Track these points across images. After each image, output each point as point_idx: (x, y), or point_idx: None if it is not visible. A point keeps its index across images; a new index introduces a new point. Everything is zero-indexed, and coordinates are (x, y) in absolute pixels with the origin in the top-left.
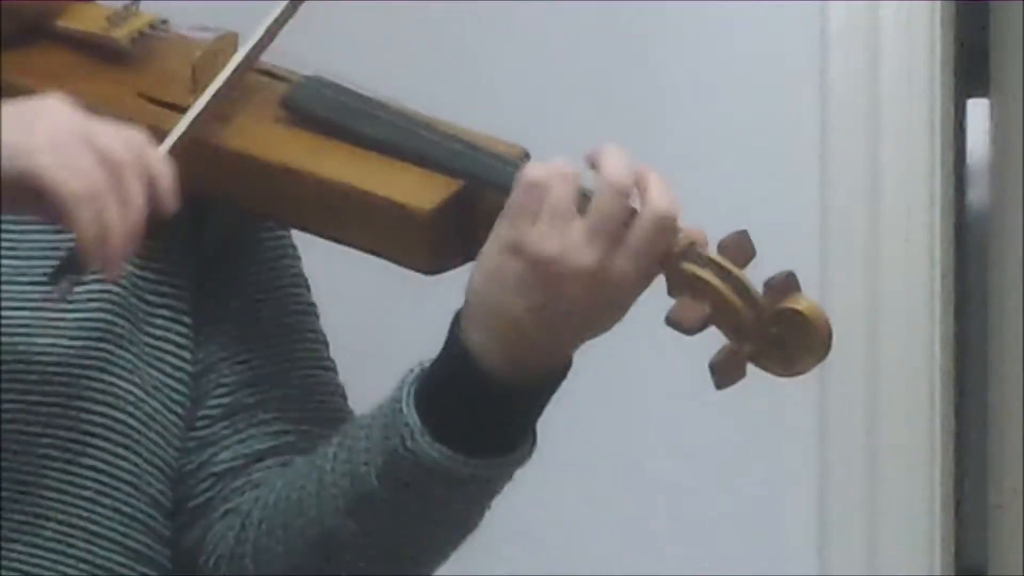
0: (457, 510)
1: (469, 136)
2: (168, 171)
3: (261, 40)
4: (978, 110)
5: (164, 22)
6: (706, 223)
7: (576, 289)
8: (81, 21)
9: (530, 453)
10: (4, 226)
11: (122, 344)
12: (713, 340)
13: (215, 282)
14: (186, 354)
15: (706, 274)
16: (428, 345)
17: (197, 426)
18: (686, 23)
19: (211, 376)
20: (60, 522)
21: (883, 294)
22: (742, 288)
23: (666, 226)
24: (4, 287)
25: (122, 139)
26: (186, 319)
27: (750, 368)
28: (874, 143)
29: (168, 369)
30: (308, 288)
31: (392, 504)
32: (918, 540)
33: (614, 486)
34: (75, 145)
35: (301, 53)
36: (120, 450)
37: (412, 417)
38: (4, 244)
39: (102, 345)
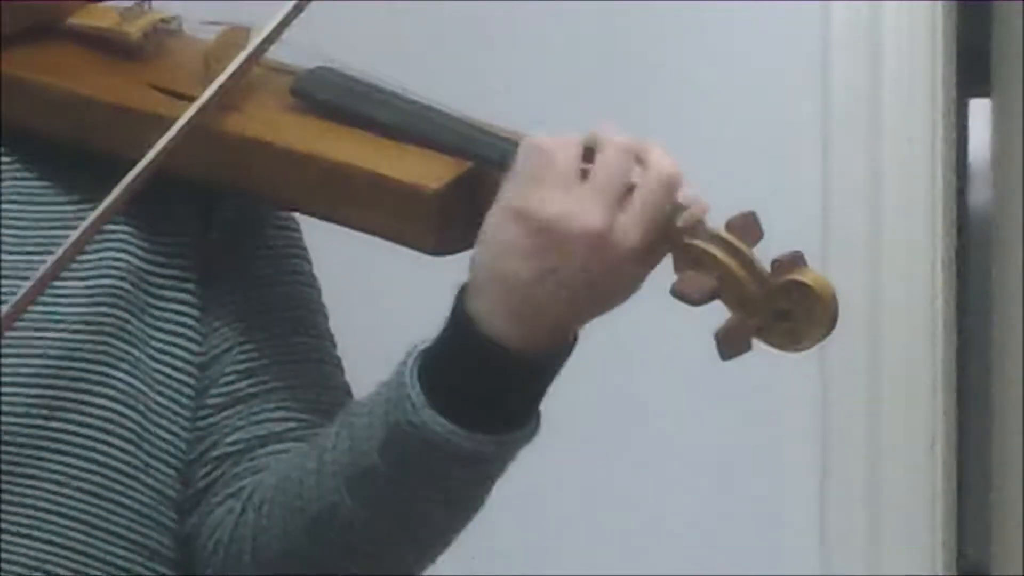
0: (459, 489)
1: (474, 120)
2: None
3: (271, 34)
4: (979, 110)
5: (175, 18)
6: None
7: (581, 253)
8: (93, 18)
9: (534, 433)
10: (5, 222)
11: (126, 338)
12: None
13: (222, 276)
14: (193, 347)
15: (713, 248)
16: (429, 329)
17: (201, 416)
18: (687, 24)
19: (215, 367)
20: (61, 515)
21: (884, 294)
22: (748, 262)
23: (670, 185)
24: (5, 280)
25: None
26: (194, 312)
27: (756, 346)
28: (875, 143)
29: (175, 363)
30: (317, 288)
31: (393, 481)
32: (920, 540)
33: (614, 486)
34: None
35: (306, 50)
36: (123, 443)
37: (415, 390)
38: (6, 239)
39: (105, 339)
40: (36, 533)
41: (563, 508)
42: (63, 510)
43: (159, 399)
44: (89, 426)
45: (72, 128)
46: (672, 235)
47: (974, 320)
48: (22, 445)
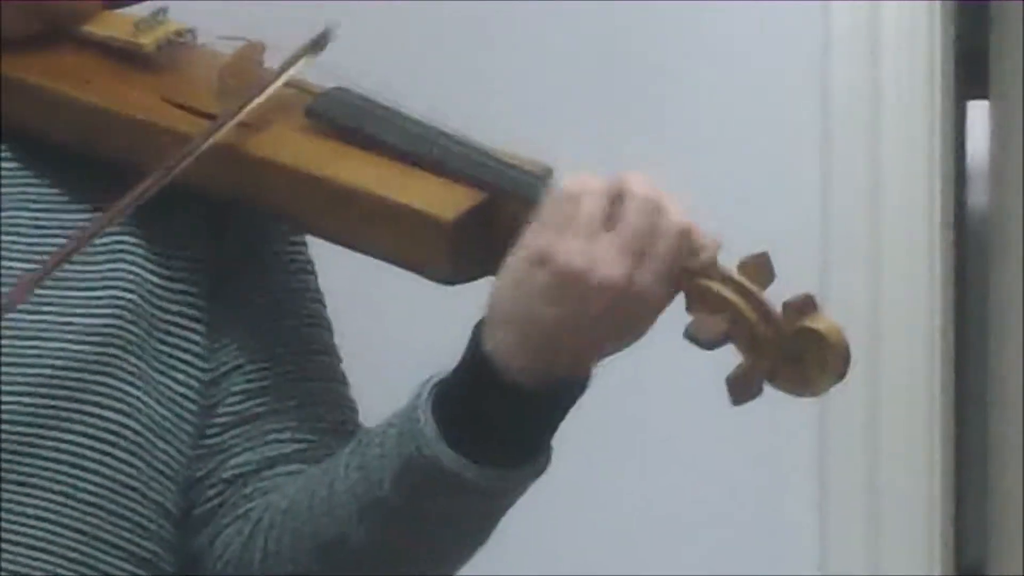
0: (469, 521)
1: (493, 149)
2: None
3: (292, 60)
4: (978, 112)
5: (191, 31)
6: (707, 226)
7: (600, 302)
8: (108, 27)
9: (546, 466)
10: (14, 230)
11: (133, 351)
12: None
13: (231, 292)
14: (200, 363)
15: (725, 291)
16: (440, 354)
17: (208, 434)
18: (687, 25)
19: (223, 385)
20: (63, 525)
21: (884, 296)
22: (760, 306)
23: (688, 240)
24: (5, 285)
25: None
26: (201, 328)
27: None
28: (875, 146)
29: (181, 377)
30: (323, 303)
31: (404, 512)
32: (918, 540)
33: (614, 486)
34: None
35: (321, 67)
36: (126, 456)
37: (429, 424)
38: (13, 249)
39: (111, 351)
40: (36, 543)
41: (562, 508)
42: (64, 520)
43: (164, 412)
44: (92, 437)
45: (82, 137)
46: (686, 276)
47: (972, 321)
48: (24, 454)
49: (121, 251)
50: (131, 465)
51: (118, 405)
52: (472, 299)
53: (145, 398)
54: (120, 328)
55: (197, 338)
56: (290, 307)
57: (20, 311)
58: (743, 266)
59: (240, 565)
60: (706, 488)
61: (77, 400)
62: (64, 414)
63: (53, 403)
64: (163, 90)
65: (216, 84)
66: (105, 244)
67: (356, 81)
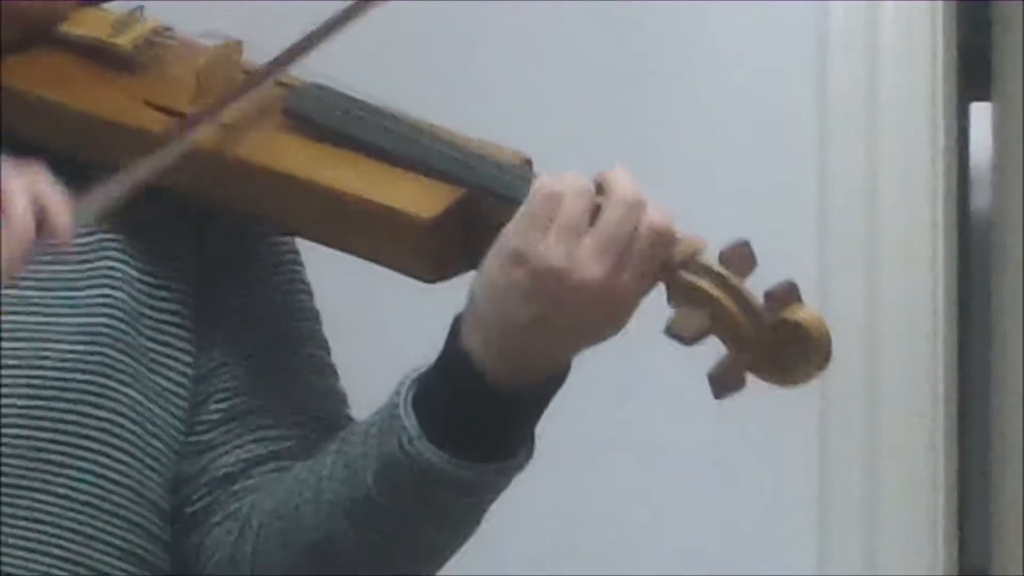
0: (453, 515)
1: (471, 144)
2: (63, 204)
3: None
4: (980, 114)
5: (168, 29)
6: (705, 228)
7: (579, 301)
8: (85, 27)
9: (527, 459)
10: None
11: (123, 350)
12: (713, 341)
13: (217, 287)
14: (187, 359)
15: (705, 284)
16: (426, 348)
17: (197, 431)
18: (684, 26)
19: (212, 381)
20: (59, 525)
21: (884, 298)
22: (741, 298)
23: (666, 240)
24: (5, 291)
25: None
26: (188, 324)
27: (749, 378)
28: (875, 147)
29: (170, 375)
30: (311, 294)
31: (389, 508)
32: (920, 541)
33: (613, 486)
34: None
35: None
36: (120, 455)
37: (410, 421)
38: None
39: (103, 350)
40: (32, 544)
41: (561, 508)
42: (60, 520)
43: (155, 410)
44: (86, 436)
45: (62, 139)
46: (666, 270)
47: (975, 324)
48: (21, 456)
49: (108, 250)
50: (125, 464)
51: (110, 404)
52: (457, 292)
53: (137, 396)
54: (110, 327)
55: (185, 335)
56: (277, 302)
57: (10, 312)
58: (724, 256)
59: (231, 565)
60: (705, 488)
61: (69, 400)
62: (56, 414)
63: (46, 403)
64: (142, 91)
65: (194, 84)
66: (92, 244)
67: (346, 83)
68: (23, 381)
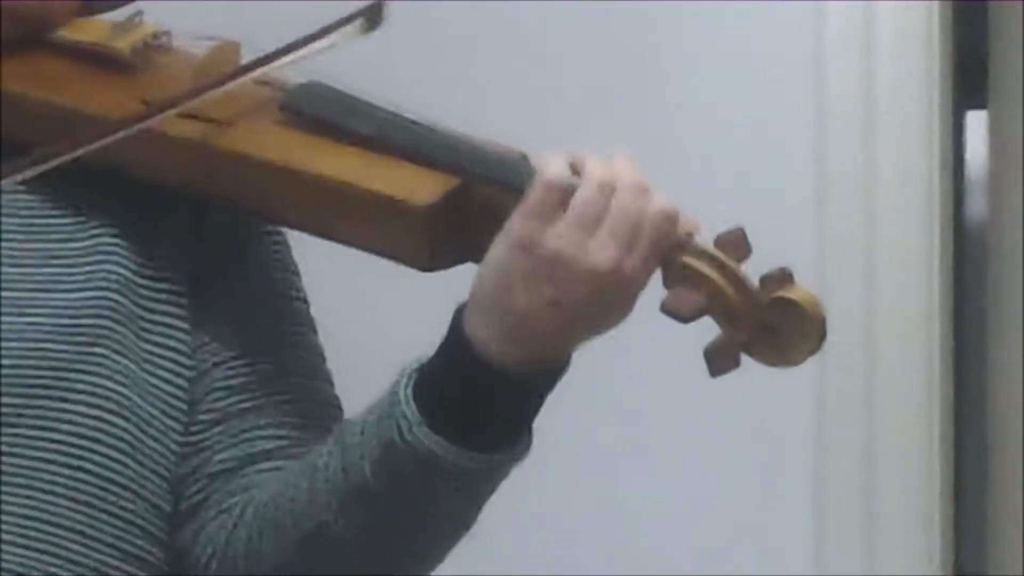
0: (451, 506)
1: (466, 136)
2: None
3: (270, 56)
4: (977, 122)
5: (166, 33)
6: (703, 231)
7: (587, 286)
8: (84, 31)
9: (527, 450)
10: (5, 234)
11: (120, 350)
12: (711, 328)
13: (212, 288)
14: (184, 359)
15: (702, 265)
16: (420, 343)
17: (192, 430)
18: (681, 31)
19: (206, 381)
20: (59, 525)
21: (880, 304)
22: (737, 280)
23: (674, 222)
24: (6, 293)
25: None
26: (184, 325)
27: (745, 360)
28: (871, 155)
29: (166, 375)
30: (305, 300)
31: (386, 498)
32: (917, 542)
33: (612, 487)
34: None
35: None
36: (116, 453)
37: (411, 409)
38: (3, 251)
39: (98, 351)
40: (31, 543)
41: (560, 508)
42: (59, 520)
43: (152, 411)
44: (82, 436)
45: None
46: (667, 251)
47: (970, 328)
48: (15, 455)
49: (104, 251)
50: (123, 464)
51: (108, 404)
52: (453, 290)
53: (134, 397)
54: (106, 328)
55: (181, 335)
56: (272, 304)
57: (6, 312)
58: (719, 241)
59: (225, 559)
60: (702, 487)
61: (68, 400)
62: (54, 414)
63: (44, 404)
64: (140, 93)
65: (192, 83)
66: (88, 246)
67: (343, 81)
68: (19, 381)
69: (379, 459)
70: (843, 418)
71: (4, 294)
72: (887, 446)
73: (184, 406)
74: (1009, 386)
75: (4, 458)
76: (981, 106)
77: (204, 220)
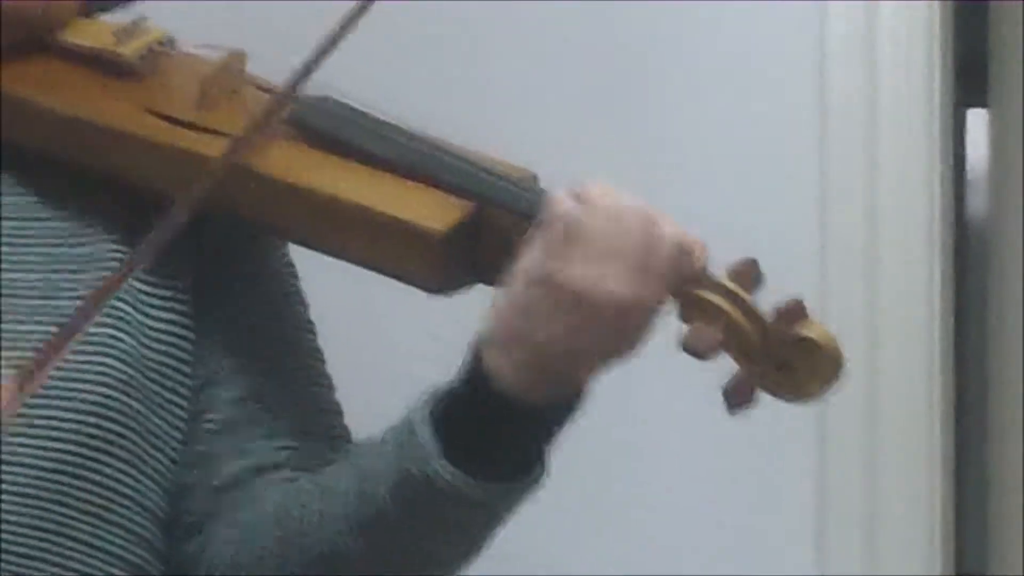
0: (466, 533)
1: (479, 157)
2: None
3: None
4: (977, 121)
5: (171, 40)
6: (703, 233)
7: (606, 322)
8: (88, 36)
9: (543, 476)
10: (5, 240)
11: (123, 358)
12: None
13: (217, 298)
14: (188, 370)
15: (718, 299)
16: (424, 355)
17: (195, 440)
18: (682, 31)
19: (210, 390)
20: (61, 535)
21: (882, 304)
22: (751, 313)
23: (688, 252)
24: (5, 300)
25: None
26: (188, 335)
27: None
28: (873, 154)
29: (169, 384)
30: (306, 305)
31: (402, 526)
32: (918, 543)
33: (612, 487)
34: None
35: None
36: (122, 464)
37: (429, 441)
38: (5, 258)
39: (103, 360)
40: (37, 553)
41: (559, 508)
42: (61, 529)
43: (156, 420)
44: (87, 446)
45: (64, 147)
46: (680, 285)
47: (972, 329)
48: (20, 464)
49: (106, 259)
50: (126, 474)
51: (111, 414)
52: (458, 304)
53: (137, 406)
54: (111, 337)
55: (185, 345)
56: (275, 312)
57: (6, 319)
58: (732, 272)
59: (232, 573)
60: (703, 490)
61: (71, 410)
62: (57, 423)
63: (47, 413)
64: (146, 101)
65: (198, 94)
66: (90, 252)
67: (345, 90)
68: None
69: (396, 487)
70: (844, 418)
71: (4, 300)
72: (888, 446)
73: (185, 416)
74: (1010, 385)
75: (9, 468)
76: (982, 104)
77: (205, 227)
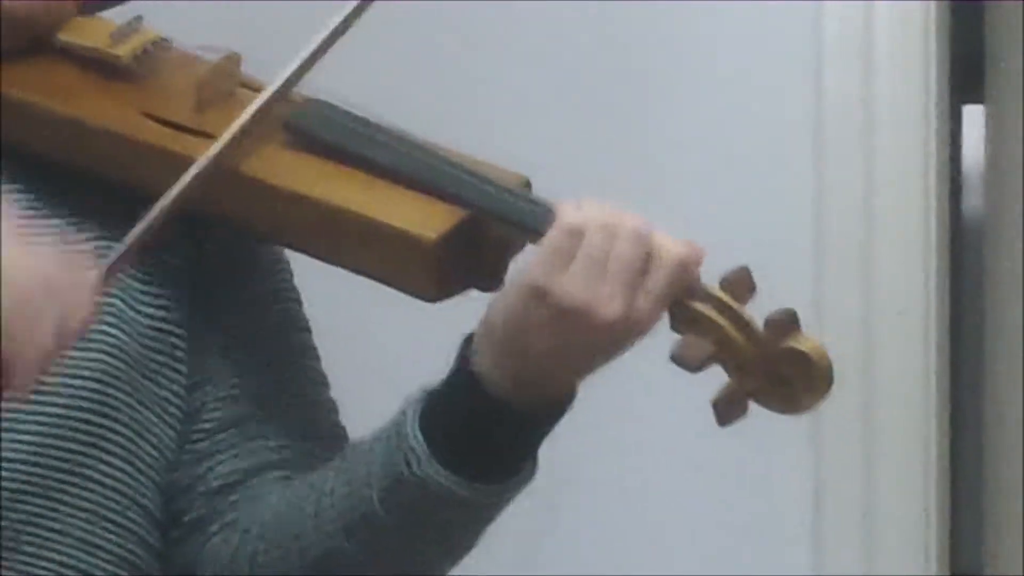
0: (457, 532)
1: (472, 164)
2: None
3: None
4: (973, 116)
5: (167, 41)
6: (700, 234)
7: (598, 334)
8: (85, 36)
9: (531, 476)
10: None
11: (120, 357)
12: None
13: (211, 296)
14: (183, 367)
15: (709, 310)
16: (418, 358)
17: (192, 439)
18: (679, 30)
19: (206, 389)
20: (57, 531)
21: (878, 301)
22: (744, 324)
23: (684, 266)
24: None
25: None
26: (183, 332)
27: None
28: (869, 150)
29: (164, 382)
30: (301, 304)
31: (393, 526)
32: (914, 542)
33: (609, 487)
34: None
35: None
36: (116, 461)
37: (419, 443)
38: None
39: (97, 355)
40: (34, 550)
41: (559, 509)
42: (59, 527)
43: (150, 416)
44: (83, 443)
45: (59, 148)
46: (673, 297)
47: (969, 326)
48: (17, 461)
49: (103, 257)
50: (122, 471)
51: (107, 411)
52: (451, 307)
53: (133, 403)
54: (105, 334)
55: (180, 343)
56: (271, 311)
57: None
58: (725, 282)
59: (231, 573)
60: (701, 489)
61: (67, 406)
62: (54, 420)
63: (43, 409)
64: (141, 103)
65: (194, 97)
66: (87, 251)
67: (340, 93)
68: None
69: (387, 490)
70: (841, 418)
71: None
72: (884, 447)
73: (180, 413)
74: (1007, 383)
75: (6, 465)
76: (978, 100)
77: (203, 228)
